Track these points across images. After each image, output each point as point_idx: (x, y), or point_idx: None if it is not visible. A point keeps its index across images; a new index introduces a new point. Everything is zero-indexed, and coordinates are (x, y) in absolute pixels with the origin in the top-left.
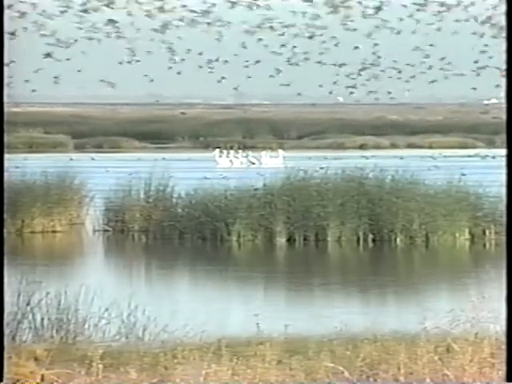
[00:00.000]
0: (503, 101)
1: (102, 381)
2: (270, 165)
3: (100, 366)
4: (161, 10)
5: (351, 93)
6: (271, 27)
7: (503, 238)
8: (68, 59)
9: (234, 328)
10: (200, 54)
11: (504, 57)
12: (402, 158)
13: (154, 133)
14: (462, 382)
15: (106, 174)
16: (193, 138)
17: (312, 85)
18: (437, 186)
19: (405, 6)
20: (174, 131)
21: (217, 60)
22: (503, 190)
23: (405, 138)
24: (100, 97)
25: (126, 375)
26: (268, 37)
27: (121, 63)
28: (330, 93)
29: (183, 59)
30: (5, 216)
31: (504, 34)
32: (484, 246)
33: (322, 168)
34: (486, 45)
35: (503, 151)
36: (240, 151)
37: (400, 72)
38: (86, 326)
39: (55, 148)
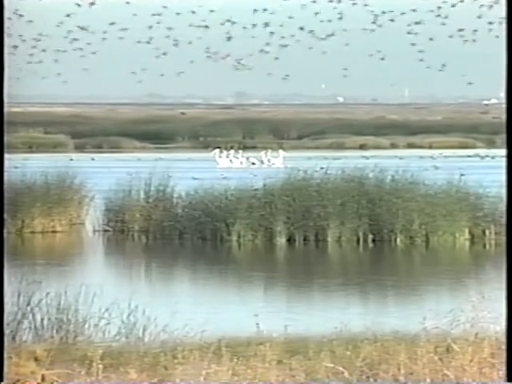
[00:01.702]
0: (503, 101)
1: (102, 381)
2: (271, 165)
3: (100, 366)
4: None
5: None
6: None
7: (503, 238)
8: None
9: (234, 328)
10: None
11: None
12: (401, 158)
13: (154, 133)
14: (462, 382)
15: (106, 174)
16: (193, 138)
17: None
18: (437, 186)
19: None
20: (174, 131)
21: None
22: (503, 191)
23: (405, 138)
24: (100, 97)
25: (126, 375)
26: None
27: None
28: None
29: None
30: (5, 216)
31: None
32: (484, 246)
33: (322, 168)
34: None
35: (503, 151)
36: (240, 151)
37: None
38: (86, 326)
39: (55, 148)
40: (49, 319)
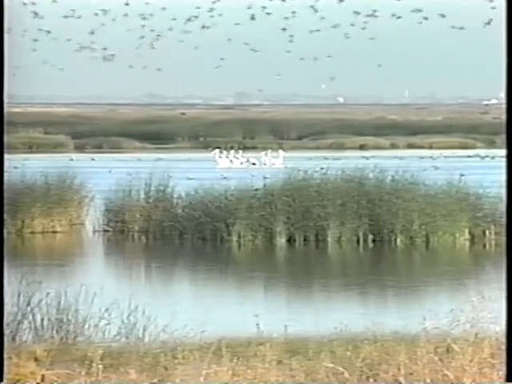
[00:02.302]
0: (503, 101)
1: (102, 381)
2: (271, 165)
3: (100, 366)
4: None
5: None
6: None
7: (503, 239)
8: None
9: (234, 328)
10: None
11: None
12: (401, 158)
13: (154, 133)
14: (462, 382)
15: (106, 174)
16: (193, 139)
17: None
18: (437, 186)
19: None
20: (174, 131)
21: None
22: (503, 191)
23: (405, 139)
24: (100, 97)
25: (126, 375)
26: None
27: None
28: None
29: None
30: (5, 216)
31: None
32: (484, 246)
33: (322, 168)
34: None
35: (503, 151)
36: (240, 151)
37: None
38: (86, 326)
39: (55, 148)
40: (49, 319)
